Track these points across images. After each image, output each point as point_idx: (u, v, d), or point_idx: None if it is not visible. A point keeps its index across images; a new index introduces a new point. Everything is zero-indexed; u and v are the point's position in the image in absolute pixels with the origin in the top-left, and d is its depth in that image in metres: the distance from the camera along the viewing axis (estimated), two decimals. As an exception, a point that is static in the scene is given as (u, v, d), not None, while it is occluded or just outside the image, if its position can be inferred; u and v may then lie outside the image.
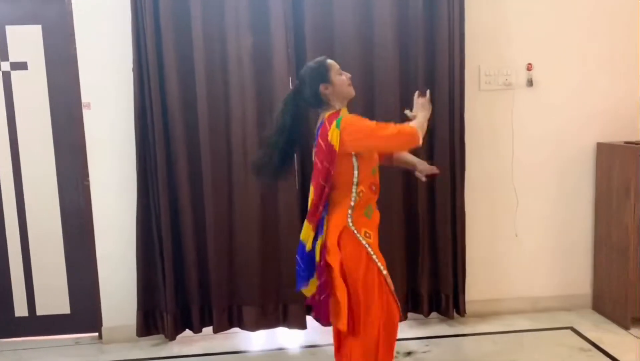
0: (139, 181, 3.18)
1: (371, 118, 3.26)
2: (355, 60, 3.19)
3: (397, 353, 3.11)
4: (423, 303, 3.41)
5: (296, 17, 3.17)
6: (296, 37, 3.18)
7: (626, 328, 3.29)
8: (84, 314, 3.45)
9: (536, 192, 3.53)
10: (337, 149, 2.22)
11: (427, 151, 3.28)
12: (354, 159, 2.28)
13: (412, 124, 2.34)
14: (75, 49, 3.20)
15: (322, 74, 2.32)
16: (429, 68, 3.25)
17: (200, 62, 3.13)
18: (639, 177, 3.16)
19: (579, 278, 3.61)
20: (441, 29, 3.20)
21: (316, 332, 3.34)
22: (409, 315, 3.45)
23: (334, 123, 2.25)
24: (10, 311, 3.42)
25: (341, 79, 2.34)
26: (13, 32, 3.25)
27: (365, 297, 2.26)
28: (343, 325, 2.26)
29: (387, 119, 3.14)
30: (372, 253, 2.29)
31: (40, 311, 3.44)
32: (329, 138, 2.23)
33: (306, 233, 2.34)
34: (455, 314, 3.44)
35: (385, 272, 2.31)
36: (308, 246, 2.32)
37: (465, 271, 3.42)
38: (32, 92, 3.29)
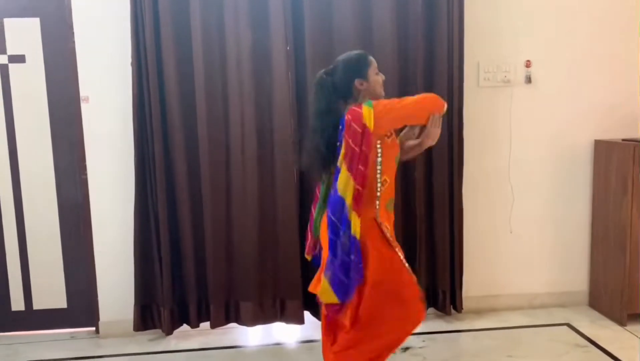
0: (137, 176, 3.18)
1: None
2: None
3: (395, 348, 3.12)
4: (420, 299, 3.41)
5: (295, 13, 3.16)
6: (295, 34, 3.17)
7: (622, 324, 3.31)
8: (81, 308, 3.44)
9: (533, 189, 3.53)
10: (372, 129, 2.14)
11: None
12: (378, 146, 2.21)
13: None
14: (73, 42, 3.19)
15: (360, 68, 2.28)
16: (429, 64, 3.25)
17: (199, 57, 3.12)
18: (637, 174, 3.17)
19: (576, 274, 3.62)
20: (440, 25, 3.20)
21: (313, 327, 3.34)
22: (406, 310, 3.45)
23: (365, 105, 2.18)
24: (7, 305, 3.41)
25: (376, 79, 2.30)
26: (11, 25, 3.23)
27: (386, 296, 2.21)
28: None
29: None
30: (396, 249, 2.27)
31: (37, 305, 3.43)
32: (363, 120, 2.14)
33: (356, 223, 2.17)
34: (452, 310, 3.44)
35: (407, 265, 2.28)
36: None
37: (462, 267, 3.42)
38: (30, 86, 3.28)
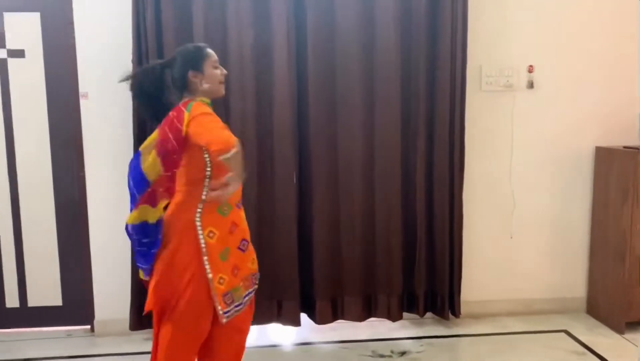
0: (136, 174, 3.15)
1: (371, 115, 3.28)
2: (356, 57, 3.18)
3: (392, 352, 3.10)
4: (419, 303, 3.39)
5: (298, 13, 3.14)
6: (298, 33, 3.15)
7: (620, 332, 3.30)
8: (76, 306, 3.41)
9: (534, 194, 3.52)
10: (183, 131, 2.06)
11: (427, 150, 3.28)
12: (206, 153, 2.12)
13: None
14: (74, 37, 3.16)
15: (195, 60, 2.21)
16: (431, 66, 3.23)
17: (201, 55, 3.10)
18: (637, 182, 3.16)
19: (574, 281, 3.61)
20: (444, 27, 3.18)
21: (310, 330, 3.33)
22: (404, 314, 3.43)
23: (186, 112, 2.09)
24: (2, 302, 3.38)
25: (213, 73, 2.23)
26: (11, 19, 3.20)
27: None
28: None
29: (387, 114, 3.18)
30: (205, 254, 2.13)
31: (32, 302, 3.40)
32: (184, 125, 2.07)
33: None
34: (450, 315, 3.43)
35: (211, 276, 2.13)
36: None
37: (461, 272, 3.40)
38: (28, 81, 3.25)
